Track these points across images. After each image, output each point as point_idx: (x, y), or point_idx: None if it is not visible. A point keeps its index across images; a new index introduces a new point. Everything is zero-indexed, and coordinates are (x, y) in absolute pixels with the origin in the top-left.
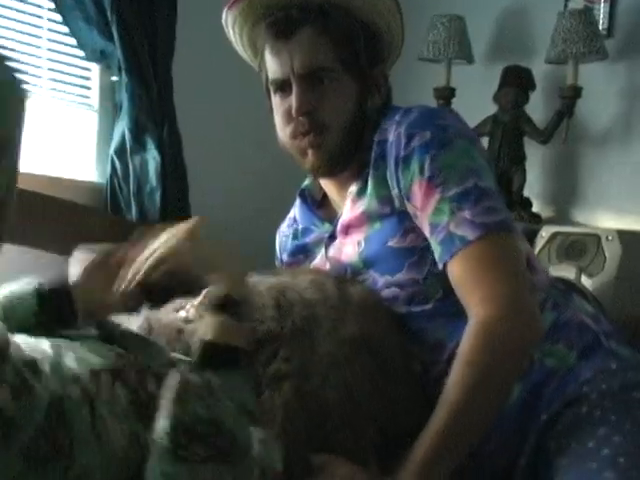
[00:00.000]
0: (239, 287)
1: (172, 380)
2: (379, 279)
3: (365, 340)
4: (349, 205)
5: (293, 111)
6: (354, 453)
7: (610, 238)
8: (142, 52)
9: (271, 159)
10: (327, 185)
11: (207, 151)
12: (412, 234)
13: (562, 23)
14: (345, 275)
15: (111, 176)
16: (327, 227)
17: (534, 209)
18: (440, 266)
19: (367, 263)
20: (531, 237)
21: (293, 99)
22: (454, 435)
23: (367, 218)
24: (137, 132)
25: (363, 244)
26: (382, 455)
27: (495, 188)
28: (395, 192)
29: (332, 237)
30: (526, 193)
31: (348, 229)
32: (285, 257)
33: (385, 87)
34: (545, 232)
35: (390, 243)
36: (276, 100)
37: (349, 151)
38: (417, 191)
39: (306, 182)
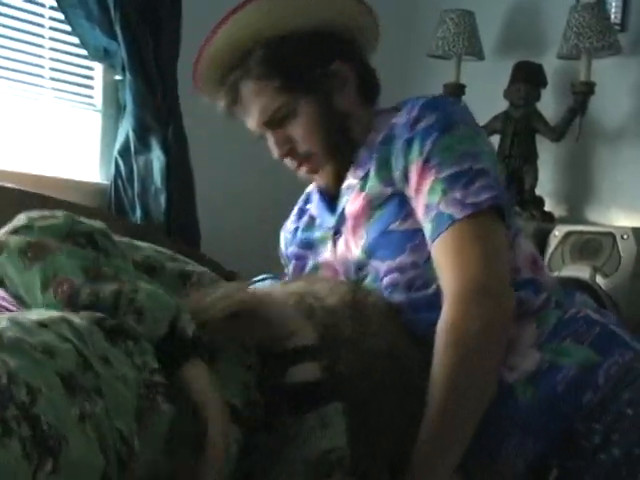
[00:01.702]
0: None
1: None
2: (381, 266)
3: (389, 352)
4: (353, 196)
5: (275, 156)
6: (370, 468)
7: (625, 237)
8: (146, 50)
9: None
10: None
11: (213, 151)
12: (413, 217)
13: (574, 17)
14: (360, 284)
15: (115, 177)
16: (333, 220)
17: (546, 208)
18: (429, 245)
19: (369, 252)
20: (544, 237)
21: (271, 146)
22: (448, 426)
23: (370, 205)
24: (141, 132)
25: (365, 236)
26: (396, 473)
27: (494, 171)
28: (397, 174)
29: (336, 233)
30: (538, 192)
31: (354, 222)
32: (293, 249)
33: (353, 73)
34: (558, 231)
35: (392, 227)
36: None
37: (344, 154)
38: (414, 172)
39: None
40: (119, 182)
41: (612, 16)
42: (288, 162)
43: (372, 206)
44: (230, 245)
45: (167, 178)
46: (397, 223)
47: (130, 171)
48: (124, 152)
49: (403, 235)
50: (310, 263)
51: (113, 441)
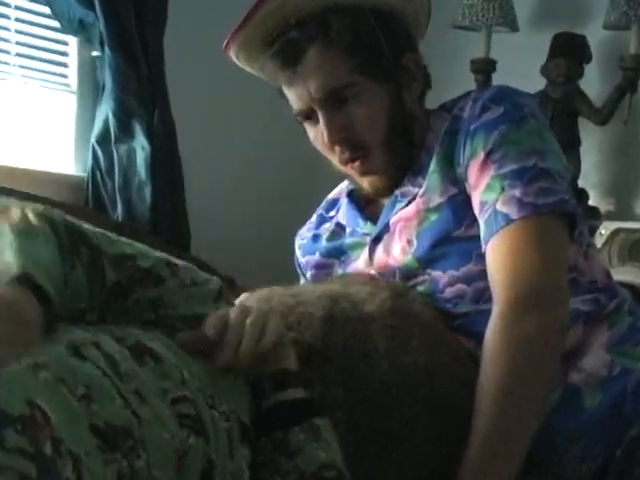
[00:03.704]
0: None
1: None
2: (441, 277)
3: (428, 371)
4: (406, 203)
5: (326, 141)
6: None
7: None
8: (128, 23)
9: (277, 148)
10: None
11: (204, 139)
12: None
13: None
14: (402, 287)
15: (93, 168)
16: (369, 227)
17: (591, 202)
18: (483, 247)
19: (425, 262)
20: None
21: (322, 128)
22: (498, 442)
23: (425, 207)
24: (123, 117)
25: (415, 242)
26: None
27: (562, 172)
28: (460, 170)
29: (377, 239)
30: (581, 183)
31: (402, 225)
32: (313, 258)
33: (420, 71)
34: (605, 229)
35: (456, 233)
36: (308, 129)
37: (403, 158)
38: (475, 167)
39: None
40: (97, 174)
41: None
42: (337, 153)
43: (427, 208)
44: (224, 246)
45: (152, 169)
46: (462, 229)
47: (110, 162)
48: (103, 140)
49: (469, 242)
50: (338, 272)
51: None
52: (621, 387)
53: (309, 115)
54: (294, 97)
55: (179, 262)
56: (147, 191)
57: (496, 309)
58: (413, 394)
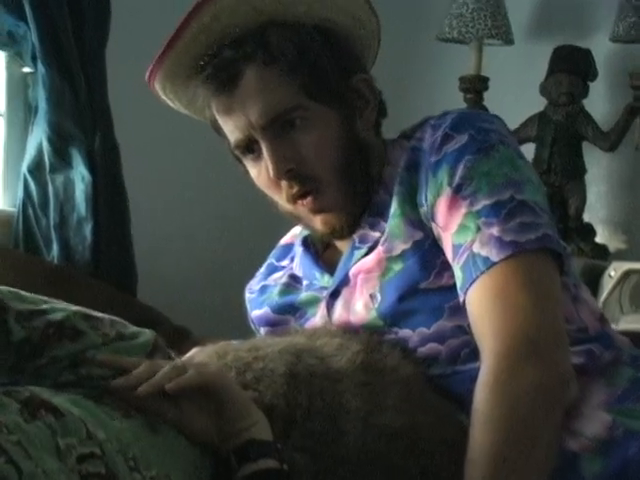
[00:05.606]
0: None
1: None
2: (410, 336)
3: (408, 433)
4: (367, 250)
5: (271, 175)
6: None
7: None
8: (65, 35)
9: (237, 177)
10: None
11: (153, 168)
12: (451, 268)
13: None
14: (376, 339)
15: (24, 202)
16: (327, 280)
17: (598, 239)
18: (461, 298)
19: (391, 319)
20: (595, 277)
21: (266, 160)
22: None
23: (387, 255)
24: (59, 143)
25: (379, 296)
26: None
27: (542, 204)
28: (424, 210)
29: (335, 294)
30: (587, 218)
31: (363, 277)
32: (261, 313)
33: (373, 95)
34: (614, 270)
35: (424, 285)
36: (249, 165)
37: (360, 193)
38: (442, 205)
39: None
40: (29, 209)
41: None
42: (284, 189)
43: (390, 256)
44: (177, 290)
45: (94, 203)
46: (431, 279)
47: (44, 194)
48: (36, 169)
49: (440, 294)
50: (295, 327)
51: None
52: (623, 452)
53: (250, 147)
54: (231, 127)
55: (103, 315)
56: (87, 228)
57: (485, 364)
58: (390, 460)
